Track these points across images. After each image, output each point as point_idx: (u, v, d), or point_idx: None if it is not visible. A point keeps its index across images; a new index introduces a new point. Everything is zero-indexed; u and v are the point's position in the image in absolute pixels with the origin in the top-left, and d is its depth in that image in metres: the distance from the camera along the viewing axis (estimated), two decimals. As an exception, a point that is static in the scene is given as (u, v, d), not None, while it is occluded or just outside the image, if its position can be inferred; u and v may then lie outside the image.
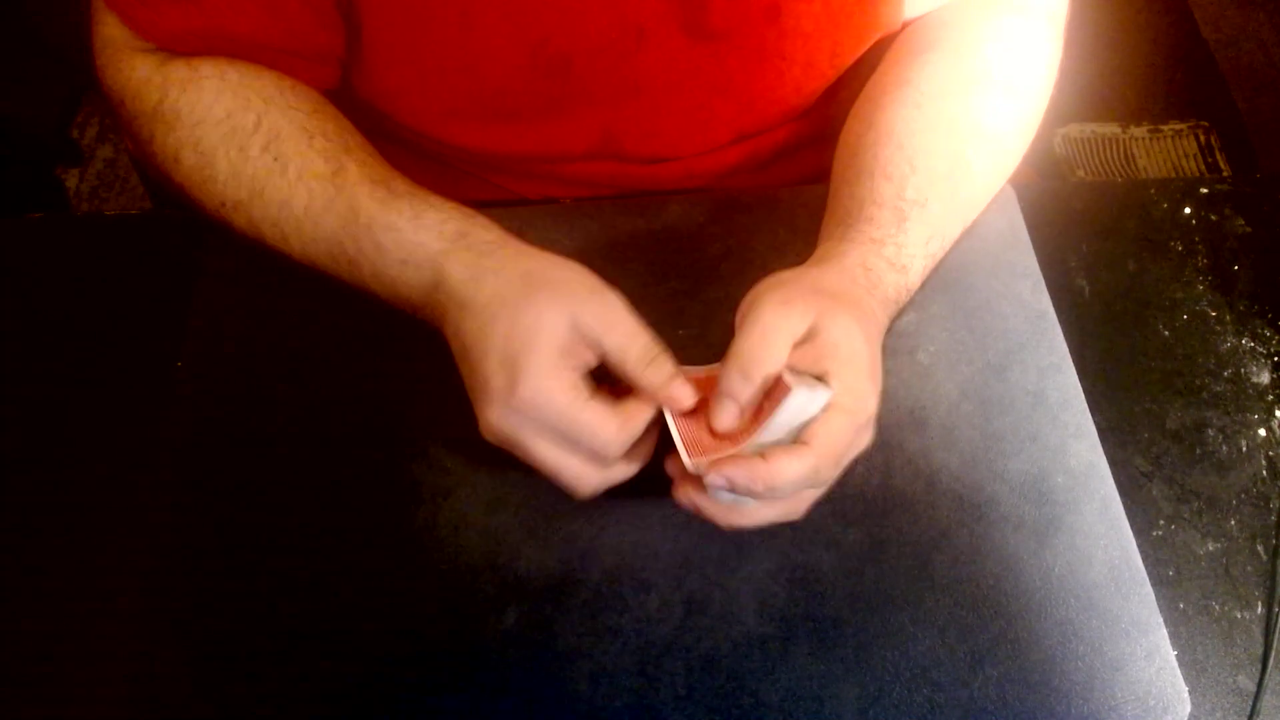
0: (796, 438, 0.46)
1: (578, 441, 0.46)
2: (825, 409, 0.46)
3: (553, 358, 0.45)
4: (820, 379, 0.47)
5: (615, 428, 0.46)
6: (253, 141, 0.54)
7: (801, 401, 0.45)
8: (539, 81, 0.60)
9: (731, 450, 0.46)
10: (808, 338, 0.47)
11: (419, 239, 0.51)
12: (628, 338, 0.47)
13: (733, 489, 0.45)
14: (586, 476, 0.47)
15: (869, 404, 0.47)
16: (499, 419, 0.46)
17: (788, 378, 0.46)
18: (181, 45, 0.56)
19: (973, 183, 0.60)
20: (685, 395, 0.47)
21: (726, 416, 0.47)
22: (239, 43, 0.56)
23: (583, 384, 0.46)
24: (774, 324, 0.47)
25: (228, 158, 0.54)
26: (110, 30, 0.57)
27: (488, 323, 0.47)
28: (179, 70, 0.55)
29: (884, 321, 0.53)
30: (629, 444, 0.47)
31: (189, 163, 0.55)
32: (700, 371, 0.50)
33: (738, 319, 0.50)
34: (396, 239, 0.51)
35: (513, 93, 0.61)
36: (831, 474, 0.47)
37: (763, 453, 0.45)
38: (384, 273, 0.52)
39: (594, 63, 0.59)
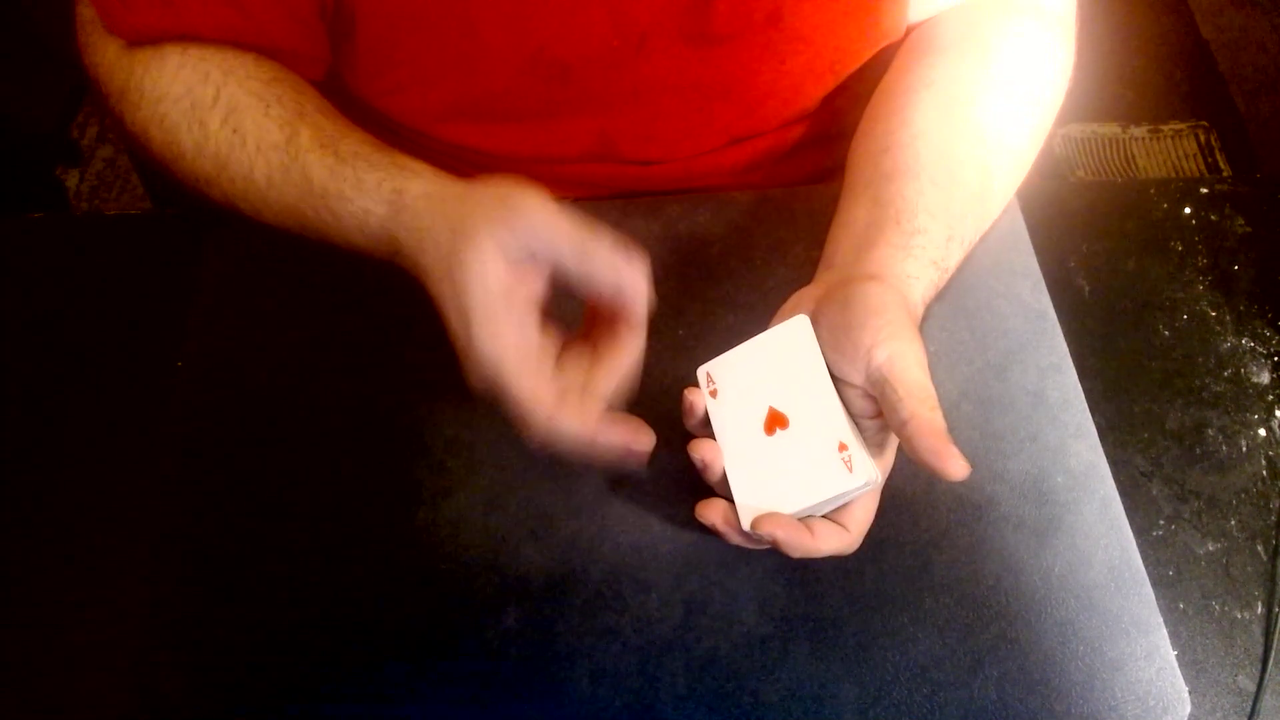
0: (834, 514, 0.48)
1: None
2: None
3: (497, 302, 0.44)
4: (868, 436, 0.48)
5: (546, 411, 0.44)
6: (212, 115, 0.54)
7: (856, 492, 0.46)
8: (538, 86, 0.59)
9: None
10: None
11: (364, 205, 0.51)
12: (552, 247, 0.44)
13: (773, 544, 0.46)
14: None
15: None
16: (475, 370, 0.45)
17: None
18: (151, 41, 0.56)
19: (996, 198, 0.59)
20: (635, 280, 0.44)
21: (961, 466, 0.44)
22: (211, 43, 0.56)
23: (533, 333, 0.45)
24: (924, 367, 0.47)
25: (190, 133, 0.55)
26: (89, 10, 0.58)
27: (441, 285, 0.46)
28: (145, 50, 0.56)
29: None
30: (552, 436, 0.44)
31: (157, 140, 0.56)
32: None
33: (875, 355, 0.46)
34: (348, 209, 0.51)
35: (509, 96, 0.60)
36: (859, 542, 0.48)
37: (807, 523, 0.46)
38: (348, 236, 0.52)
39: (593, 69, 0.59)
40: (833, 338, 0.48)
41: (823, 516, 0.48)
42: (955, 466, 0.43)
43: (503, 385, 0.44)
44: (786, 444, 0.48)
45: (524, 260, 0.45)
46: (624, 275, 0.44)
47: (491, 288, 0.44)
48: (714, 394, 0.50)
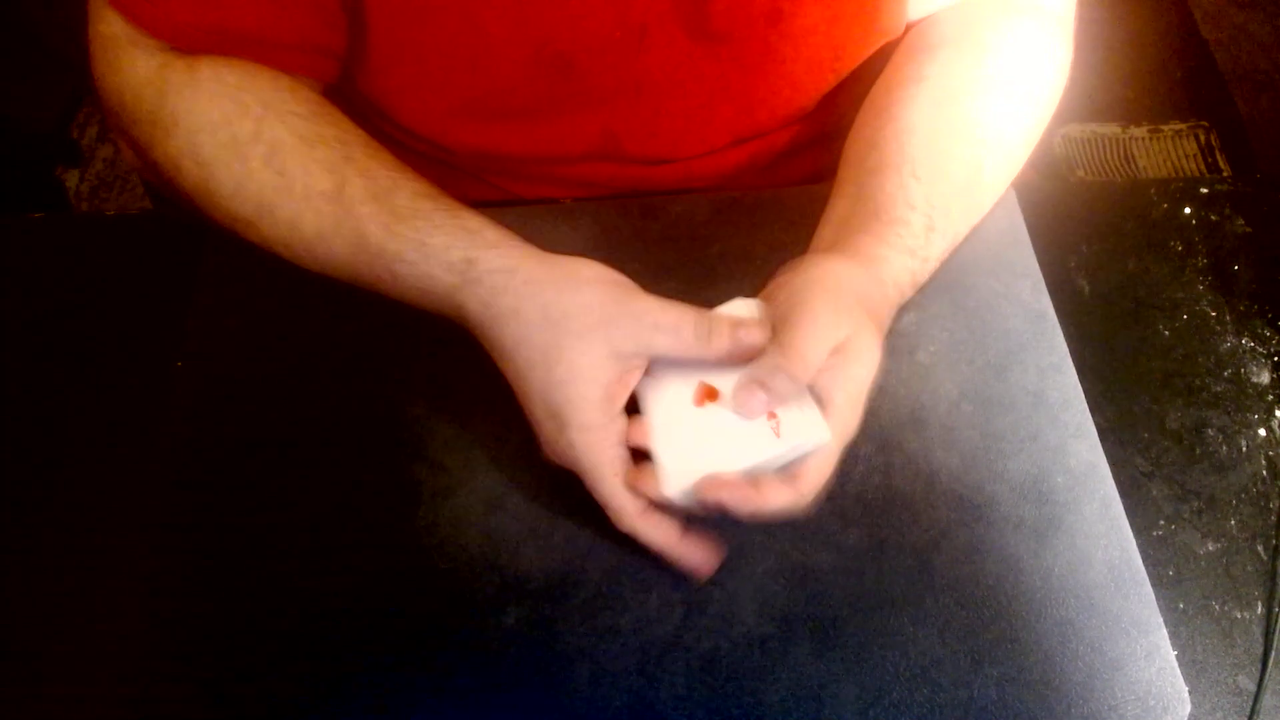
0: (787, 469, 0.47)
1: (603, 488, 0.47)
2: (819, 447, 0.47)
3: (597, 408, 0.46)
4: (819, 397, 0.47)
5: (632, 512, 0.47)
6: (253, 152, 0.52)
7: (805, 448, 0.46)
8: (541, 80, 0.59)
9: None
10: (834, 351, 0.47)
11: (429, 271, 0.49)
12: (674, 331, 0.46)
13: (720, 510, 0.46)
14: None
15: (851, 435, 0.49)
16: (556, 455, 0.48)
17: (796, 407, 0.46)
18: (185, 41, 0.55)
19: (984, 192, 0.60)
20: (753, 336, 0.46)
21: (757, 406, 0.46)
22: (242, 38, 0.55)
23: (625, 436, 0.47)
24: (824, 330, 0.47)
25: (229, 170, 0.53)
26: (109, 28, 0.56)
27: (523, 370, 0.47)
28: (177, 73, 0.54)
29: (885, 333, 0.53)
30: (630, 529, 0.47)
31: (191, 174, 0.54)
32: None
33: (775, 296, 0.50)
34: (408, 270, 0.50)
35: (514, 91, 0.60)
36: (811, 503, 0.48)
37: (754, 481, 0.46)
38: (405, 296, 0.52)
39: (596, 62, 0.59)
40: (784, 296, 0.49)
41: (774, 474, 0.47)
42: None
43: (593, 487, 0.47)
44: (721, 414, 0.47)
45: (633, 357, 0.46)
46: (747, 351, 0.46)
47: (594, 395, 0.46)
48: (646, 371, 0.49)
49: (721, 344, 0.46)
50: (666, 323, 0.46)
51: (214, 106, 0.53)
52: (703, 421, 0.48)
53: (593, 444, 0.46)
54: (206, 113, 0.53)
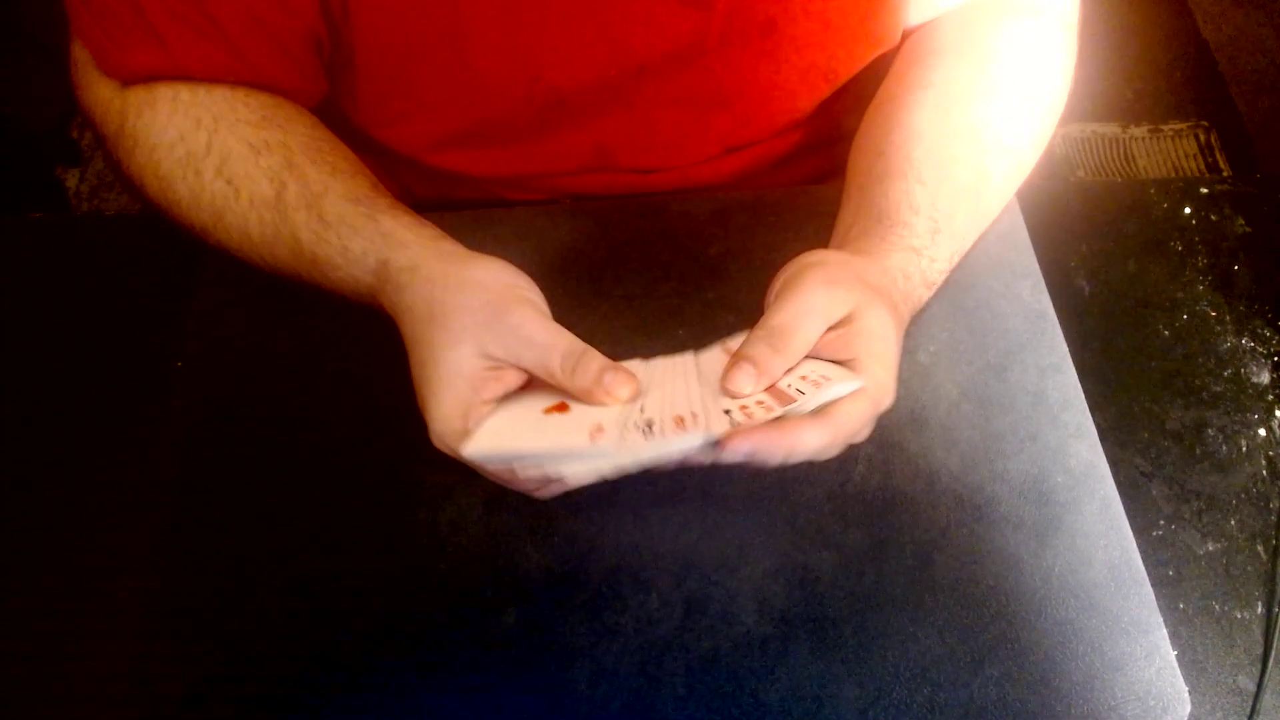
0: (818, 410, 0.45)
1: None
2: (852, 392, 0.46)
3: (455, 402, 0.46)
4: (847, 365, 0.47)
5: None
6: (206, 165, 0.54)
7: (836, 391, 0.45)
8: (534, 111, 0.60)
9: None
10: (843, 323, 0.48)
11: (352, 274, 0.52)
12: (543, 352, 0.46)
13: (751, 458, 0.44)
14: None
15: (887, 399, 0.48)
16: (436, 443, 0.48)
17: (820, 370, 0.46)
18: (143, 81, 0.56)
19: (991, 196, 0.60)
20: (620, 384, 0.46)
21: (744, 380, 0.45)
22: (202, 80, 0.56)
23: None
24: (815, 303, 0.47)
25: (185, 182, 0.55)
26: (80, 52, 0.57)
27: (412, 363, 0.49)
28: (136, 95, 0.56)
29: (905, 328, 0.53)
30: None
31: (152, 187, 0.56)
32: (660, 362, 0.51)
33: (773, 290, 0.50)
34: (338, 274, 0.53)
35: (506, 122, 0.61)
36: (839, 450, 0.47)
37: (781, 421, 0.44)
38: (341, 295, 0.54)
39: (589, 93, 0.59)
40: (779, 285, 0.50)
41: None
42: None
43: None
44: (561, 419, 0.47)
45: (504, 361, 0.47)
46: (609, 397, 0.46)
47: (460, 390, 0.46)
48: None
49: (583, 381, 0.46)
50: (539, 340, 0.46)
51: (170, 125, 0.55)
52: (548, 419, 0.47)
53: (456, 435, 0.47)
54: (164, 131, 0.55)
